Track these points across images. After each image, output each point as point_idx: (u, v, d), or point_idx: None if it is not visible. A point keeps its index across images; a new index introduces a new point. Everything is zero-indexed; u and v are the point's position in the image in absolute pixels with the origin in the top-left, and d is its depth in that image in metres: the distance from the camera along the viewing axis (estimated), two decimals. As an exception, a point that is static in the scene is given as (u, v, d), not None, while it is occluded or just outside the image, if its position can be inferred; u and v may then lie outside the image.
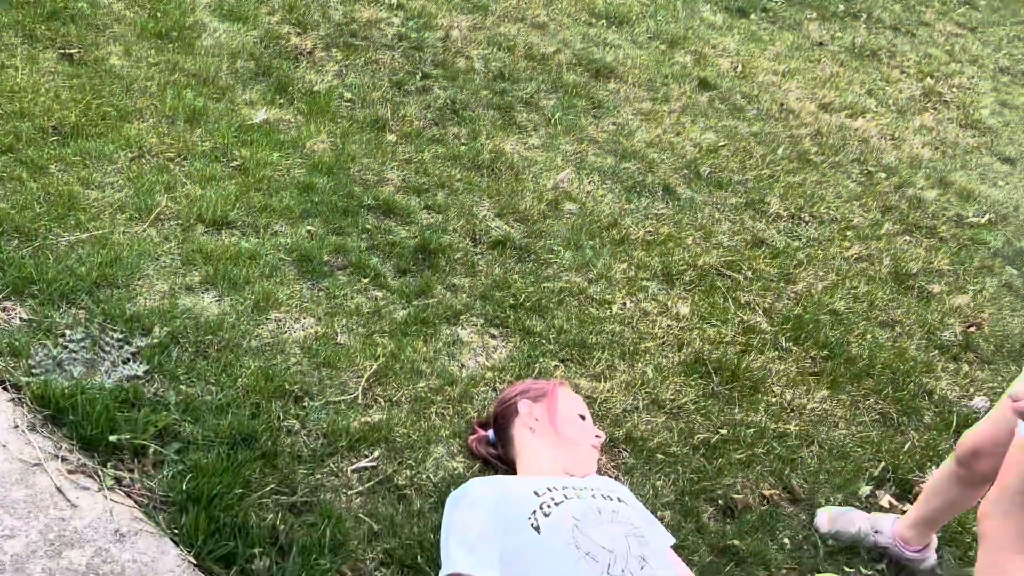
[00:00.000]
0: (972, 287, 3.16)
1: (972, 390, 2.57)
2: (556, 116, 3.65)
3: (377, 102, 3.36)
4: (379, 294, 2.27)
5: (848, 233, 3.33)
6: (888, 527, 1.96)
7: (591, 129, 3.65)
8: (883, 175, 3.90)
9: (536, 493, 1.54)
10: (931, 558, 1.97)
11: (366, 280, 2.29)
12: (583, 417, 1.81)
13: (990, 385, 2.62)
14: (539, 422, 1.76)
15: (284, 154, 2.81)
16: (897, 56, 5.78)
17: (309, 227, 2.45)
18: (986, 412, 2.48)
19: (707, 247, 2.98)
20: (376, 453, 1.76)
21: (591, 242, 2.80)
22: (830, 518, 1.98)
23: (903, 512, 2.02)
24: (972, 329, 2.89)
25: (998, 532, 1.53)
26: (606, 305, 2.50)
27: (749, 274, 2.88)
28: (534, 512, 1.50)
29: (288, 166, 2.75)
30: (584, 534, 1.46)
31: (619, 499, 1.60)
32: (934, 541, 1.97)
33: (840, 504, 2.04)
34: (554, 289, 2.49)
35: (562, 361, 2.23)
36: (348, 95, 3.33)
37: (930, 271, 3.20)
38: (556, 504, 1.51)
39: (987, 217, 3.73)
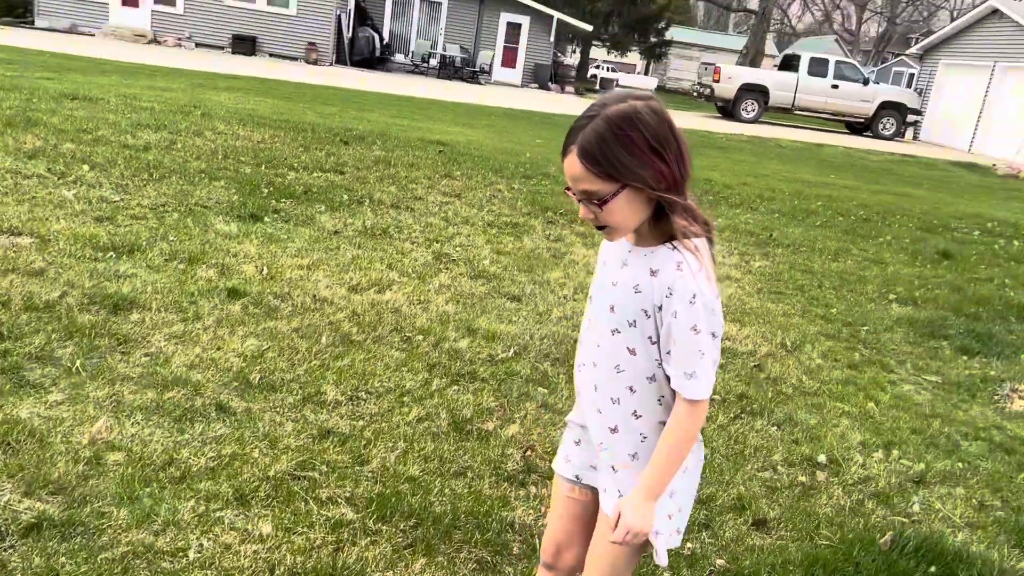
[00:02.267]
0: (518, 415, 3.53)
1: (543, 509, 2.83)
2: (77, 364, 3.34)
3: None
4: None
5: (404, 399, 3.53)
6: None
7: (122, 367, 3.41)
8: (420, 337, 4.24)
9: None
10: None
11: None
12: None
13: (557, 498, 2.92)
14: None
15: None
16: (404, 230, 6.44)
17: None
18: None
19: (276, 454, 2.92)
20: None
21: (147, 489, 2.56)
22: None
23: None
24: (529, 453, 3.21)
25: None
26: (180, 554, 2.28)
27: (324, 468, 2.87)
28: None
29: None
30: None
31: None
32: None
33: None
34: (115, 558, 2.21)
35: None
36: None
37: (481, 411, 3.51)
38: None
39: (513, 350, 4.25)
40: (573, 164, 1.61)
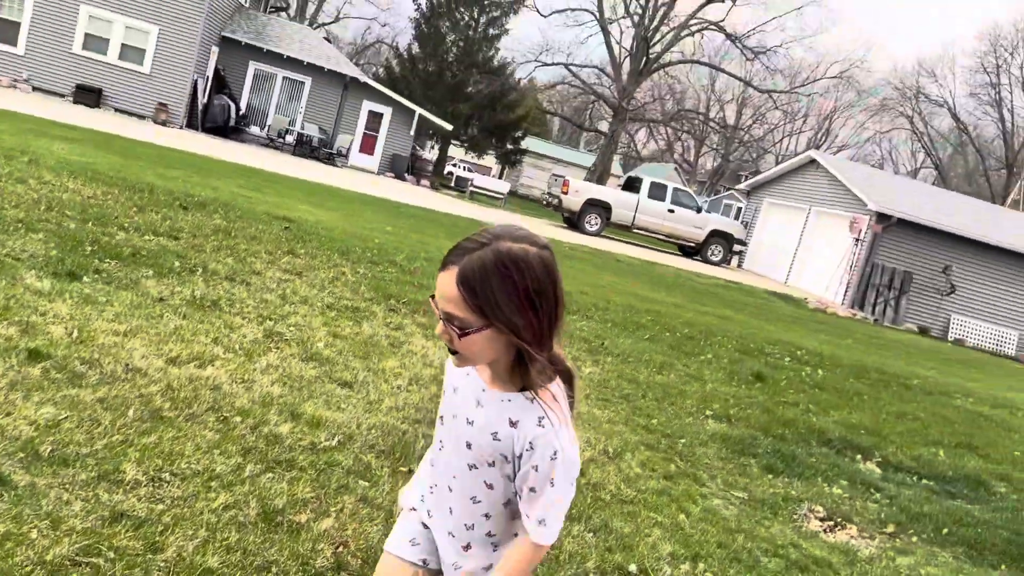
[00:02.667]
0: (334, 508, 3.39)
1: (350, 609, 2.70)
2: None
3: None
4: None
5: (212, 484, 3.31)
6: None
7: None
8: (239, 418, 4.03)
9: None
10: None
11: None
12: None
13: (365, 599, 2.79)
14: None
15: None
16: (237, 303, 6.19)
17: None
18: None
19: (57, 536, 2.64)
20: None
21: None
22: None
23: None
24: (341, 549, 3.07)
25: None
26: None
27: (111, 555, 2.62)
28: None
29: None
30: None
31: None
32: None
33: None
34: None
35: None
36: None
37: (296, 502, 3.34)
38: None
39: (337, 439, 4.11)
40: (448, 284, 1.59)
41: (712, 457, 5.64)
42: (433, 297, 1.65)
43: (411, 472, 3.94)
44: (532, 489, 1.65)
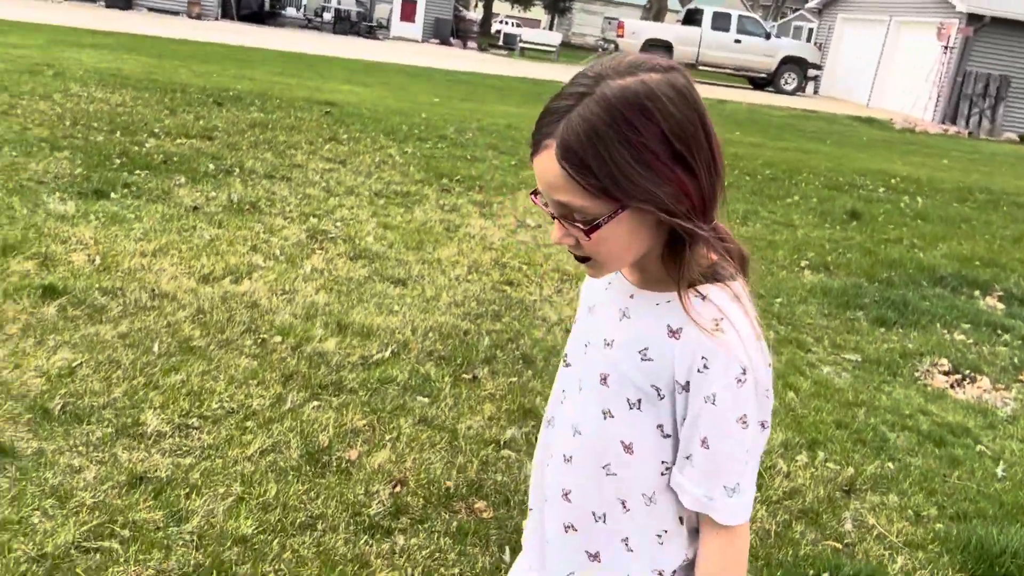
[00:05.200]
0: (389, 436, 2.95)
1: (411, 570, 2.27)
2: None
3: None
4: None
5: (248, 424, 2.90)
6: None
7: None
8: (279, 339, 3.59)
9: None
10: None
11: None
12: None
13: (427, 551, 2.37)
14: None
15: None
16: (277, 203, 5.72)
17: None
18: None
19: (62, 518, 2.26)
20: None
21: None
22: None
23: None
24: (398, 489, 2.64)
25: None
26: None
27: (125, 534, 2.23)
28: None
29: None
30: None
31: None
32: None
33: None
34: None
35: None
36: None
37: (344, 435, 2.91)
38: None
39: (390, 349, 3.65)
40: (550, 167, 1.01)
41: (814, 315, 5.02)
42: (536, 193, 1.07)
43: (475, 379, 3.48)
44: (705, 441, 1.06)
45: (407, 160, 7.72)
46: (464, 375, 3.53)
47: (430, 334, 3.89)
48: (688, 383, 1.06)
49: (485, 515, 2.57)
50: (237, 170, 6.46)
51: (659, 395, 1.09)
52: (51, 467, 2.49)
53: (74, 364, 3.10)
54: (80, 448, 2.61)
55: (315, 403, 3.12)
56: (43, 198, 5.07)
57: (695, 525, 1.15)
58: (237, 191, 5.87)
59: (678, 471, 1.10)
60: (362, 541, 2.36)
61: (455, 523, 2.50)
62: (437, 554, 2.35)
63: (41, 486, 2.39)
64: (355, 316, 3.96)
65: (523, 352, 3.82)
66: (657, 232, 1.05)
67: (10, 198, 4.95)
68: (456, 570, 2.29)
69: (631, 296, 1.14)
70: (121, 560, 2.13)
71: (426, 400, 3.27)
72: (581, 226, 1.03)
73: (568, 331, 3.98)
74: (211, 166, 6.45)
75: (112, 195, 5.37)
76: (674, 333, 1.07)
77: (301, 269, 4.52)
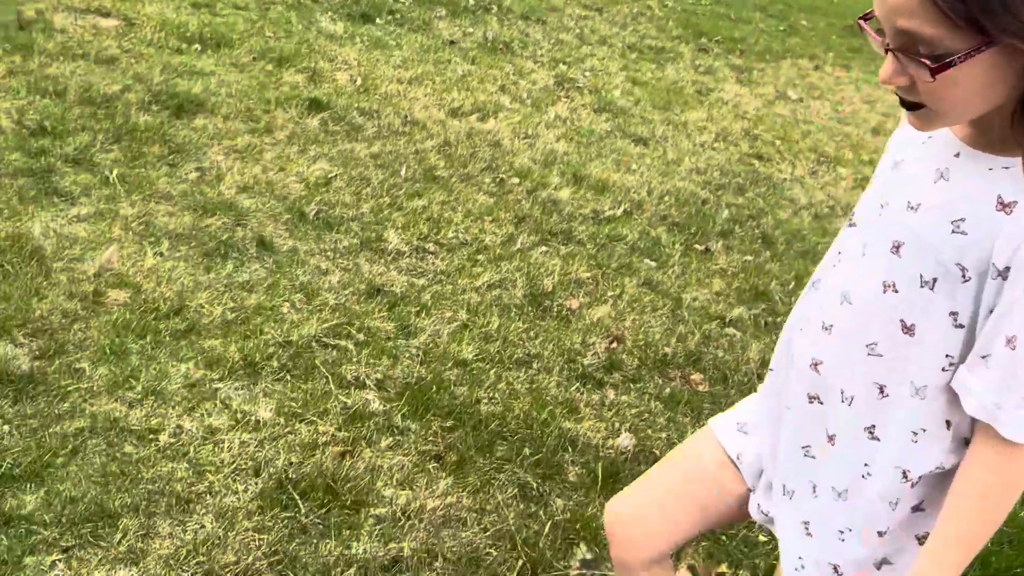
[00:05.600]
0: (612, 293, 2.91)
1: (617, 424, 2.26)
2: (116, 172, 2.92)
3: None
4: None
5: (479, 257, 2.96)
6: None
7: (164, 182, 2.97)
8: (516, 180, 3.60)
9: None
10: None
11: None
12: None
13: (636, 411, 2.34)
14: None
15: None
16: (529, 46, 5.64)
17: None
18: (632, 451, 2.18)
19: (307, 313, 2.44)
20: None
21: (140, 343, 2.15)
22: None
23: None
24: (614, 345, 2.62)
25: None
26: (150, 437, 1.87)
27: (360, 337, 2.38)
28: None
29: None
30: None
31: None
32: None
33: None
34: (68, 433, 1.82)
35: (65, 552, 1.57)
36: None
37: (568, 283, 2.91)
38: None
39: (623, 208, 3.56)
40: None
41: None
42: (866, 16, 0.89)
43: (707, 251, 3.33)
44: (1013, 340, 0.89)
45: (666, 14, 7.30)
46: (696, 245, 3.38)
47: (666, 198, 3.74)
48: (1008, 269, 0.88)
49: (700, 388, 2.49)
50: (495, 8, 6.40)
51: (963, 276, 0.92)
52: (302, 266, 2.68)
53: (330, 175, 3.29)
54: (328, 253, 2.79)
55: (543, 248, 3.12)
56: (316, 16, 5.30)
57: (965, 434, 0.99)
58: (493, 29, 5.84)
59: (968, 370, 0.94)
60: (573, 387, 2.38)
61: (668, 389, 2.45)
62: (646, 415, 2.32)
63: (292, 281, 2.58)
64: (592, 169, 3.88)
65: (763, 232, 3.59)
66: (1019, 81, 0.84)
67: (288, 13, 5.22)
68: (664, 435, 2.25)
69: (956, 155, 0.95)
70: (354, 360, 2.28)
71: (653, 264, 3.18)
72: (927, 62, 0.83)
73: (818, 217, 3.66)
74: (471, 1, 6.44)
75: (377, 20, 5.51)
76: (1006, 206, 0.88)
77: (545, 115, 4.46)
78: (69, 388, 1.94)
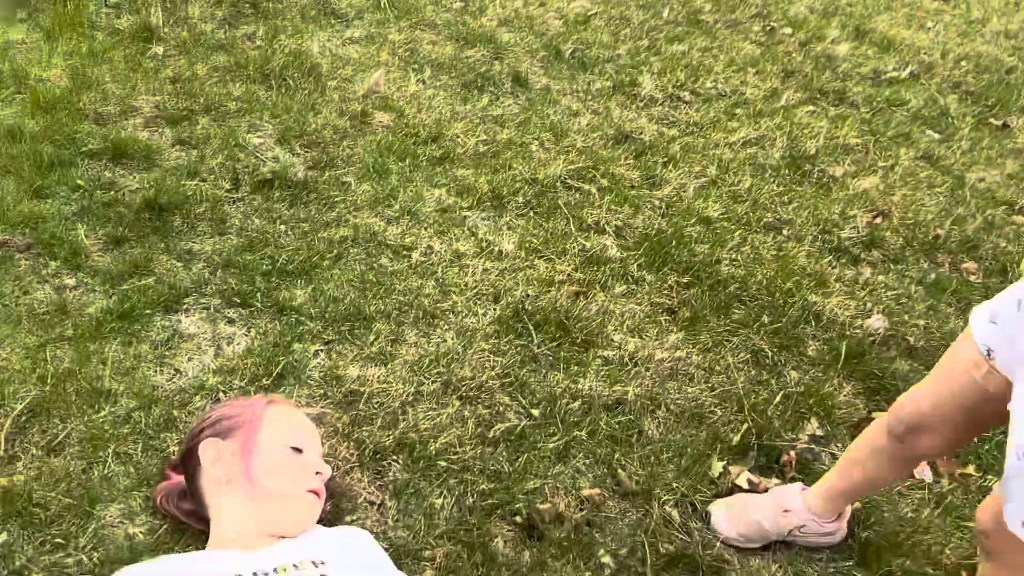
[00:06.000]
0: (883, 163, 2.63)
1: (870, 304, 2.09)
2: (386, -3, 2.99)
3: (150, 4, 2.71)
4: (71, 280, 1.73)
5: (737, 111, 2.77)
6: (797, 502, 1.53)
7: (429, 10, 3.01)
8: (788, 30, 3.29)
9: None
10: (842, 530, 1.55)
11: (56, 262, 1.74)
12: (299, 449, 1.32)
13: (893, 293, 2.14)
14: (230, 470, 1.26)
15: (-4, 91, 2.20)
16: None
17: (-6, 194, 1.88)
18: (883, 334, 2.02)
19: (555, 153, 2.43)
20: (3, 536, 1.28)
21: (400, 165, 2.24)
22: (729, 515, 1.54)
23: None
24: (878, 220, 2.39)
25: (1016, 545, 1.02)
26: (404, 253, 1.97)
27: (604, 183, 2.34)
28: None
29: (-1, 107, 2.15)
30: None
31: None
32: (848, 511, 1.55)
33: (683, 493, 1.60)
34: (333, 239, 1.96)
35: (327, 344, 1.72)
36: (108, -1, 2.68)
37: (834, 148, 2.66)
38: None
39: (909, 69, 3.17)
40: None
41: None
42: None
43: (1005, 127, 2.91)
44: None
45: None
46: (992, 119, 2.96)
47: (963, 63, 3.28)
48: None
49: (972, 278, 2.24)
50: None
51: None
52: (553, 105, 2.65)
53: (589, 13, 3.17)
54: (580, 94, 2.73)
55: (810, 107, 2.86)
56: None
57: None
58: None
59: None
60: (825, 260, 2.21)
61: (933, 275, 2.22)
62: (904, 299, 2.12)
63: (543, 120, 2.57)
64: (879, 23, 3.46)
65: (1080, 110, 3.06)
66: None
67: None
68: (921, 323, 2.06)
69: None
70: (596, 204, 2.25)
71: (936, 136, 2.83)
72: None
73: None
74: None
75: None
76: None
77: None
78: (336, 199, 2.08)
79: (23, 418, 1.44)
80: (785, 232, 2.30)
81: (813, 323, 2.02)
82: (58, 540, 1.28)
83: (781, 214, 2.36)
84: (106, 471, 1.39)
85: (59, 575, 1.24)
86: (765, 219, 2.32)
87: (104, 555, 1.27)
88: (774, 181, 2.47)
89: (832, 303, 2.07)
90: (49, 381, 1.50)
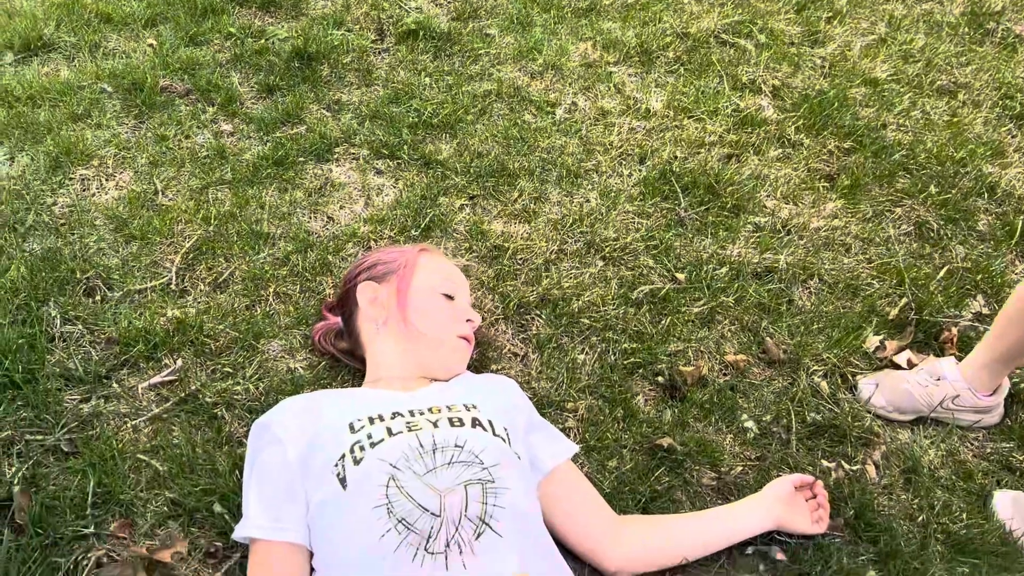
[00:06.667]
0: (1082, 23, 2.34)
1: (1054, 179, 1.91)
2: None
3: None
4: (228, 127, 1.77)
5: (914, -39, 2.50)
6: (952, 371, 1.47)
7: None
8: None
9: (352, 427, 1.12)
10: (999, 409, 1.49)
11: (214, 108, 1.78)
12: (451, 296, 1.33)
13: (1083, 168, 1.95)
14: (386, 311, 1.30)
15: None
16: None
17: (153, 40, 1.92)
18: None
19: (709, 5, 2.27)
20: (179, 362, 1.37)
21: (545, 16, 2.15)
22: (880, 385, 1.50)
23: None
24: (1071, 86, 2.15)
25: None
26: (548, 109, 1.92)
27: (761, 39, 2.18)
28: (343, 457, 1.09)
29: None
30: (403, 490, 1.05)
31: (473, 421, 1.16)
32: (1006, 385, 1.48)
33: (834, 364, 1.54)
34: (477, 93, 1.92)
35: (471, 199, 1.71)
36: None
37: (1022, 5, 2.38)
38: (372, 445, 1.10)
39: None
40: None
41: None
42: None
43: None
44: None
45: None
46: None
47: None
48: None
49: None
50: None
51: None
52: (708, -47, 2.46)
53: None
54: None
55: (1000, -42, 2.55)
56: None
57: None
58: None
59: None
60: (1004, 128, 2.02)
61: None
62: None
63: (696, -31, 2.39)
64: None
65: None
66: None
67: None
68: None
69: None
70: (752, 62, 2.11)
71: None
72: None
73: None
74: None
75: None
76: None
77: None
78: (479, 51, 2.02)
79: (191, 255, 1.52)
80: (961, 96, 2.10)
81: (986, 195, 1.86)
82: (227, 369, 1.36)
83: (957, 76, 2.15)
84: (267, 309, 1.46)
85: (229, 400, 1.32)
86: (939, 82, 2.13)
87: (268, 385, 1.35)
88: (951, 40, 2.25)
89: (1010, 174, 1.90)
90: (212, 222, 1.56)
